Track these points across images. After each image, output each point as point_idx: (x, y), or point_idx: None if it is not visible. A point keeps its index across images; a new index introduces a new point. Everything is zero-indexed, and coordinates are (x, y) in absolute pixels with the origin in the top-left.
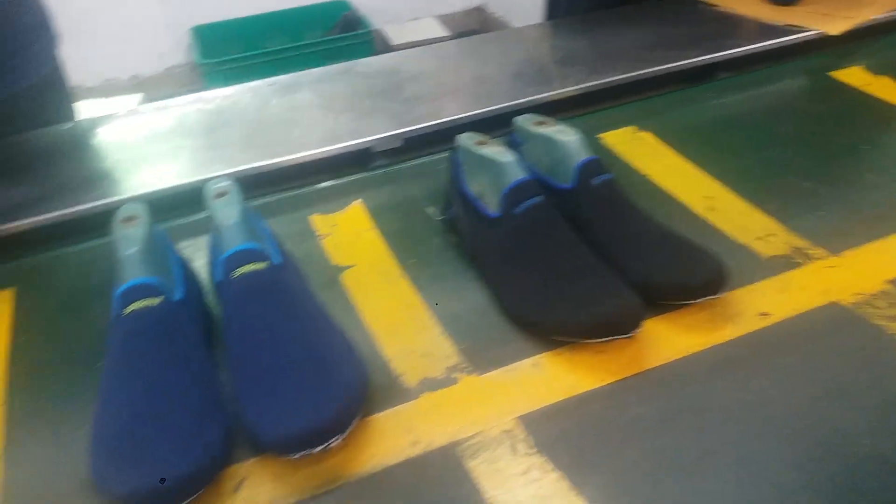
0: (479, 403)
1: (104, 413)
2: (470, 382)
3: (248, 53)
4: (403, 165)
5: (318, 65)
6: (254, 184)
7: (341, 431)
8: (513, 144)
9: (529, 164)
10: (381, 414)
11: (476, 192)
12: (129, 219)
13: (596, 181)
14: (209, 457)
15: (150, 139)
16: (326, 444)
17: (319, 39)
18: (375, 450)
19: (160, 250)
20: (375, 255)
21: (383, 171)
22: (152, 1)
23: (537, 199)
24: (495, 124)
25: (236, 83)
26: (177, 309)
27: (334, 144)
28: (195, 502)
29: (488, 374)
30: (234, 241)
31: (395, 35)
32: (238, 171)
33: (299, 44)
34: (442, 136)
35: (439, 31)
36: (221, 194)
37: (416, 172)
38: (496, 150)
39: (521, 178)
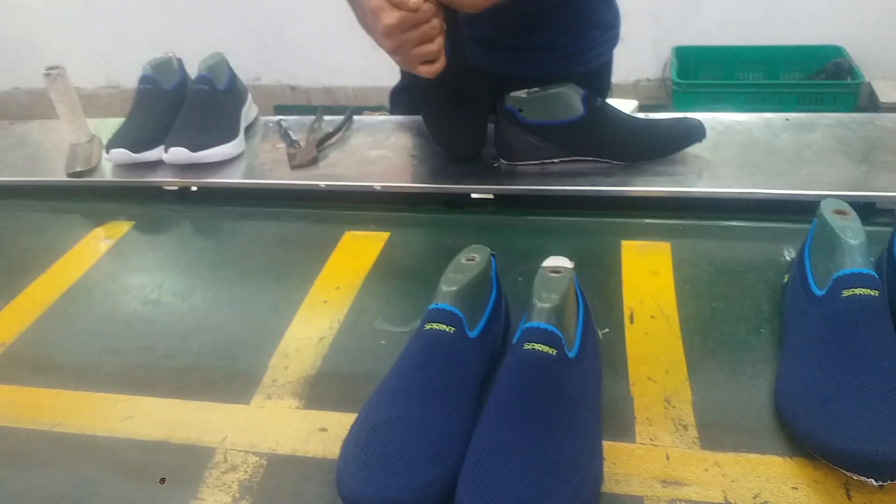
0: None
1: (802, 372)
2: None
3: (724, 82)
4: None
5: (791, 107)
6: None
7: None
8: None
9: None
10: None
11: None
12: (842, 212)
13: None
14: None
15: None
16: None
17: (799, 81)
18: None
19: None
20: None
21: None
22: (649, 18)
23: None
24: None
25: (703, 107)
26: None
27: (833, 191)
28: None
29: None
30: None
31: (886, 92)
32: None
33: (777, 82)
34: None
35: None
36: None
37: None
38: None
39: None
